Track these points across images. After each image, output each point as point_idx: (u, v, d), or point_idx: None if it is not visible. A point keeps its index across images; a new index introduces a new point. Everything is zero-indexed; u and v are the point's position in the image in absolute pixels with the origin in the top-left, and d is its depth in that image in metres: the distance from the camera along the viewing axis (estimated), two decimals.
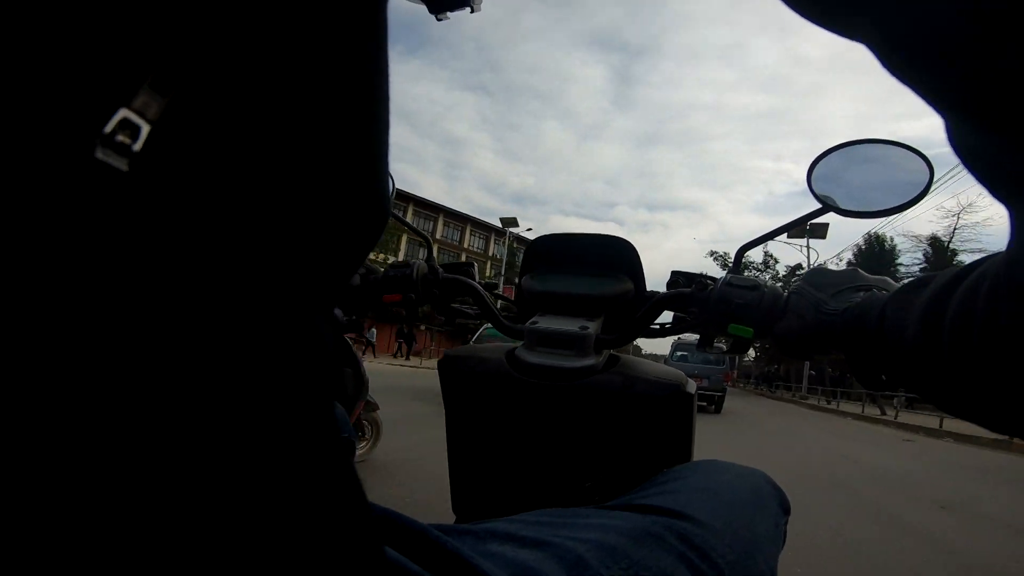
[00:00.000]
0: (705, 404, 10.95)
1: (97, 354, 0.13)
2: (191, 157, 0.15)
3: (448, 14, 0.45)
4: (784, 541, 0.48)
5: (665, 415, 0.59)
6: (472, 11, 0.45)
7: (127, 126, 0.13)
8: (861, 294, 0.41)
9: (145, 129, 0.14)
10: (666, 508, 0.39)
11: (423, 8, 0.45)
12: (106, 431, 0.13)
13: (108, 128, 0.13)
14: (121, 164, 0.13)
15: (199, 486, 0.15)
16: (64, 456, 0.13)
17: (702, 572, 0.35)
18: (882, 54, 0.17)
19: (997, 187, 0.18)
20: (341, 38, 0.17)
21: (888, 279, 0.42)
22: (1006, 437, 4.07)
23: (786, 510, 0.50)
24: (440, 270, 0.72)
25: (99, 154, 0.13)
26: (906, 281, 0.35)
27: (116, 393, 0.14)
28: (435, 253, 0.76)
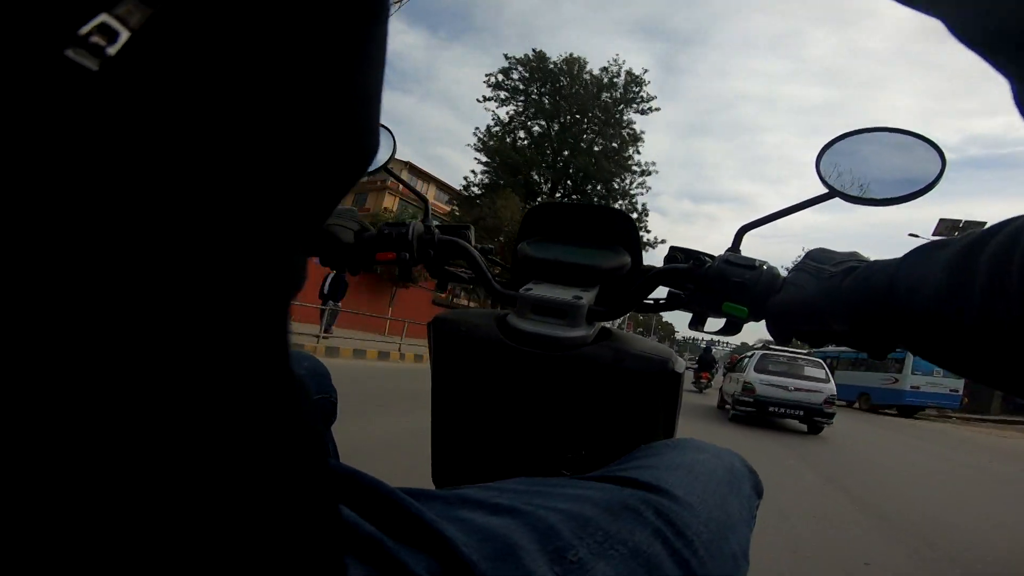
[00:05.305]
0: None
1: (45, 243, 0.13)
2: (169, 70, 0.14)
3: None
4: (754, 523, 0.48)
5: (652, 391, 0.60)
6: None
7: (106, 30, 0.13)
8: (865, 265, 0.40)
9: (124, 35, 0.14)
10: (644, 482, 0.39)
11: None
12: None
13: (85, 30, 0.13)
14: (92, 64, 0.13)
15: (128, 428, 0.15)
16: None
17: (677, 549, 0.34)
18: (956, 26, 0.18)
19: None
20: None
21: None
22: None
23: (759, 493, 0.51)
24: (436, 231, 0.71)
25: (70, 53, 0.13)
26: (919, 245, 0.34)
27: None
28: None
